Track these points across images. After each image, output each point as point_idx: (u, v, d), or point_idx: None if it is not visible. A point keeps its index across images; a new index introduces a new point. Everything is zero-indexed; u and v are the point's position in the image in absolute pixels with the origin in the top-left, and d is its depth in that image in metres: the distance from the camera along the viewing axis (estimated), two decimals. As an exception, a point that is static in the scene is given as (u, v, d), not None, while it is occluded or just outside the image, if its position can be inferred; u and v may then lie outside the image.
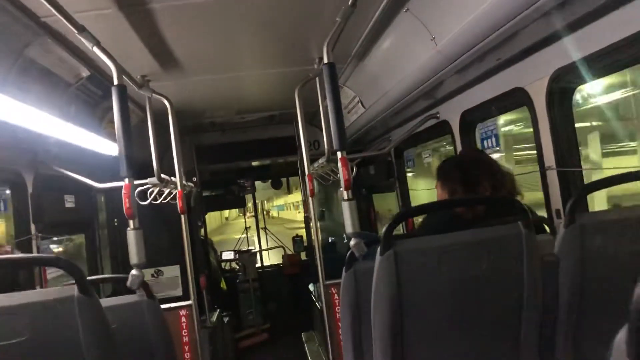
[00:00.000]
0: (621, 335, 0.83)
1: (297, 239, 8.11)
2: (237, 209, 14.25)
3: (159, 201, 3.85)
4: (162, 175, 3.69)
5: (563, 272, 1.78)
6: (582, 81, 2.60)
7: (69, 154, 3.62)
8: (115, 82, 2.46)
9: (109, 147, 3.83)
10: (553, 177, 2.71)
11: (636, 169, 2.44)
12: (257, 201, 9.51)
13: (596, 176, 2.94)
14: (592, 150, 3.77)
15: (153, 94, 3.66)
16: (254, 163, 7.32)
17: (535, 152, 2.83)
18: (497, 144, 3.41)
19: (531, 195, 2.96)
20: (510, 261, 1.76)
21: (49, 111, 2.86)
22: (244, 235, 9.21)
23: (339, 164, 2.42)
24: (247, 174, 7.72)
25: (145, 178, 3.59)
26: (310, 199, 4.23)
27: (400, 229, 5.13)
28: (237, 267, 7.72)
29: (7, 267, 2.01)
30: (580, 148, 2.69)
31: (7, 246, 3.09)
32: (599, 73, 2.44)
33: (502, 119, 3.52)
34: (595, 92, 3.23)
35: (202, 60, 3.57)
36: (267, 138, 6.52)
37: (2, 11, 2.22)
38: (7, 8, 2.22)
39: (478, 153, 2.65)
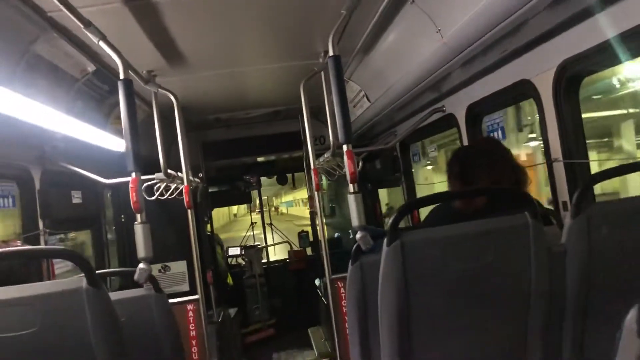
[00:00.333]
0: (632, 315, 0.83)
1: (302, 234, 8.13)
2: (245, 205, 14.25)
3: (165, 197, 3.86)
4: (169, 171, 3.70)
5: (570, 262, 1.77)
6: (589, 72, 2.59)
7: (75, 150, 3.64)
8: (122, 76, 2.46)
9: (116, 143, 3.84)
10: (559, 169, 2.70)
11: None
12: (264, 197, 9.53)
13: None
14: (625, 140, 3.64)
15: (159, 90, 3.67)
16: (260, 159, 7.33)
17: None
18: (504, 137, 3.39)
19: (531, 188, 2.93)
20: (518, 252, 1.75)
21: (55, 107, 2.87)
22: (250, 230, 9.23)
23: (345, 158, 2.41)
24: (252, 170, 7.73)
25: (152, 174, 3.60)
26: (316, 193, 4.23)
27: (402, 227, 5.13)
28: (244, 263, 7.74)
29: (17, 259, 2.02)
30: (611, 138, 2.63)
31: (17, 241, 3.11)
32: (607, 64, 2.43)
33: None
34: (633, 76, 3.10)
35: (208, 55, 3.57)
36: (272, 133, 6.52)
37: (9, 7, 2.23)
38: (13, 3, 2.23)
39: (486, 144, 2.62)
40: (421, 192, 5.51)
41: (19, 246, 2.16)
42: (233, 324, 6.08)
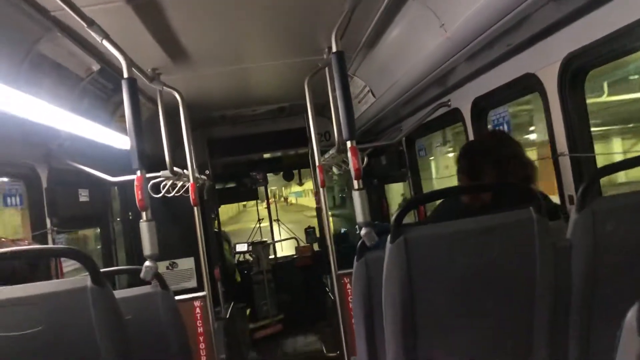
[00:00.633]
0: (632, 313, 0.82)
1: (309, 230, 8.14)
2: (254, 197, 14.31)
3: (172, 194, 3.88)
4: (175, 169, 3.71)
5: (575, 257, 1.76)
6: (595, 65, 2.56)
7: (81, 148, 3.66)
8: (126, 75, 2.47)
9: (121, 141, 3.86)
10: (565, 163, 2.68)
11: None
12: (272, 189, 9.58)
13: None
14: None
15: (164, 87, 3.68)
16: (266, 155, 7.34)
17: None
18: (509, 131, 3.37)
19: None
20: (523, 247, 1.74)
21: (61, 105, 2.88)
22: (257, 225, 9.25)
23: (349, 154, 2.41)
24: (258, 166, 7.74)
25: (158, 171, 3.62)
26: (321, 189, 4.23)
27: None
28: (251, 259, 7.76)
29: (23, 259, 2.03)
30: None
31: (25, 240, 3.13)
32: (612, 56, 2.40)
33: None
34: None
35: (212, 53, 3.57)
36: (277, 130, 6.52)
37: (13, 6, 2.24)
38: (17, 3, 2.24)
39: (494, 138, 2.60)
40: (428, 187, 5.49)
41: (27, 245, 2.18)
42: (241, 319, 6.10)
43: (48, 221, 3.43)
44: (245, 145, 6.57)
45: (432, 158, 5.97)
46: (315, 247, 7.99)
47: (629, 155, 4.89)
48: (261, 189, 8.69)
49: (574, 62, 2.51)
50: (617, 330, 0.92)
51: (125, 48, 2.51)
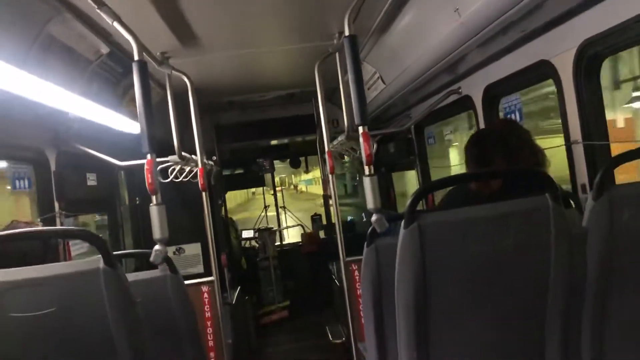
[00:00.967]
0: None
1: (315, 218, 8.16)
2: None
3: (180, 179, 3.87)
4: (183, 153, 3.70)
5: (591, 245, 1.74)
6: (611, 52, 2.53)
7: (90, 132, 3.65)
8: (136, 57, 2.45)
9: (130, 125, 3.84)
10: (578, 152, 2.65)
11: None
12: (281, 177, 9.60)
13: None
14: None
15: (173, 71, 3.66)
16: (273, 142, 7.32)
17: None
18: (521, 119, 3.34)
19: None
20: (538, 234, 1.72)
21: (70, 88, 2.86)
22: (264, 212, 9.27)
23: (360, 139, 2.38)
24: (266, 153, 7.73)
25: (166, 156, 3.61)
26: (330, 176, 4.22)
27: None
28: (257, 246, 7.79)
29: (38, 239, 2.04)
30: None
31: (36, 223, 3.14)
32: (630, 43, 2.36)
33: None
34: None
35: (221, 36, 3.54)
36: (286, 116, 6.50)
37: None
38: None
39: (503, 126, 2.58)
40: (435, 175, 5.46)
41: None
42: (247, 305, 6.13)
43: (56, 204, 3.43)
44: (252, 132, 6.56)
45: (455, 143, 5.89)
46: (321, 234, 8.00)
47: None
48: (269, 176, 8.69)
49: (590, 49, 2.47)
50: (632, 319, 0.90)
51: (135, 31, 2.49)
